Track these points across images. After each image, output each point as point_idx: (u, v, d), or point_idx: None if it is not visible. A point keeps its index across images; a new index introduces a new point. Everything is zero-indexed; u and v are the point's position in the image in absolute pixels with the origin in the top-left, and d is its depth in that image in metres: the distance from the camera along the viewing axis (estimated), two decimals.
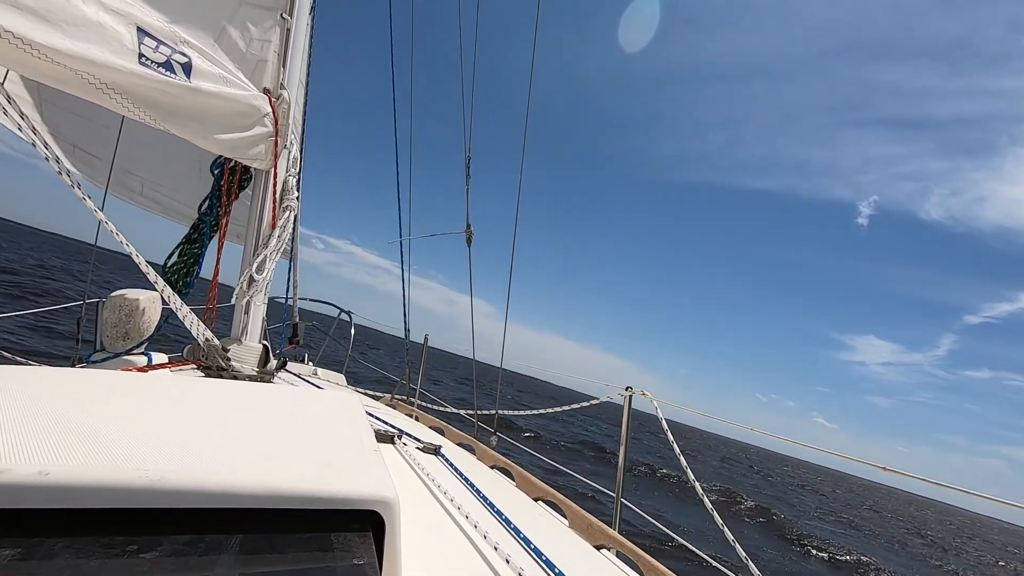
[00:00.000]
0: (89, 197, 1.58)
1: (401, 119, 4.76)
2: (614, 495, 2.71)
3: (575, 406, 3.54)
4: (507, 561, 1.07)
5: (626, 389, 2.87)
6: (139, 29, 1.53)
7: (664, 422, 2.69)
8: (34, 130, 1.48)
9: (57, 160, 1.50)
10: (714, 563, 2.47)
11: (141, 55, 1.52)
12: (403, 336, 4.69)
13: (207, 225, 2.42)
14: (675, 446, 2.59)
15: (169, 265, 2.38)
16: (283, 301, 3.88)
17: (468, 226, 4.22)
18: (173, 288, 2.33)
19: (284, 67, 2.34)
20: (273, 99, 2.17)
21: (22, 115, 1.46)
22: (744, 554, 2.02)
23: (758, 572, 1.99)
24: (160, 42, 1.60)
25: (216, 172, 2.43)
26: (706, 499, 2.39)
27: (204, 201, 2.43)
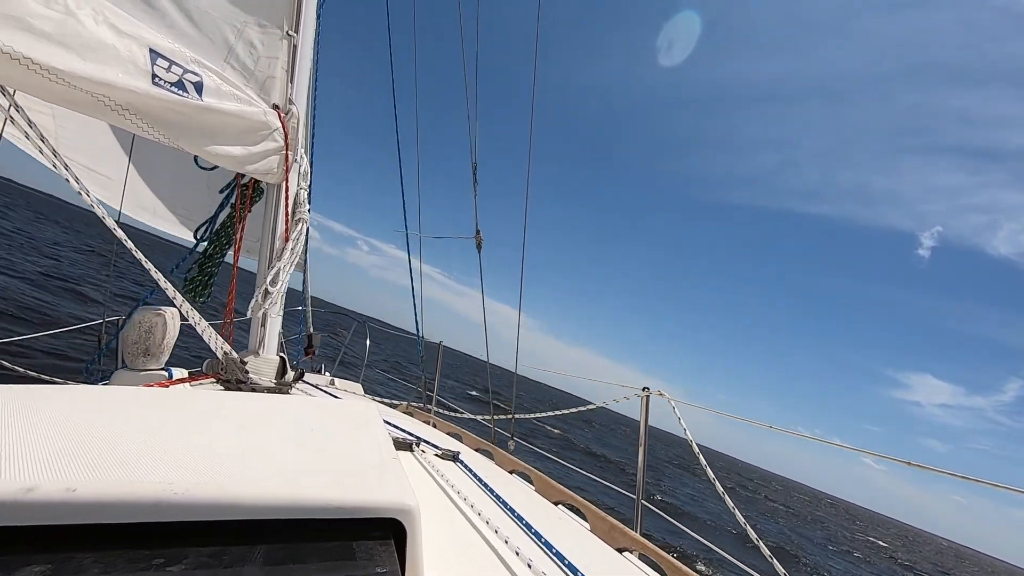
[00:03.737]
0: (108, 216, 1.62)
1: (406, 120, 4.82)
2: (635, 497, 2.69)
3: (591, 406, 3.53)
4: (529, 566, 1.07)
5: (643, 389, 2.86)
6: (151, 51, 1.57)
7: (682, 422, 2.67)
8: (54, 152, 1.52)
9: (77, 180, 1.53)
10: (739, 563, 2.44)
11: (154, 76, 1.55)
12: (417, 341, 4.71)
13: (219, 240, 2.47)
14: (695, 446, 2.57)
15: (190, 279, 2.45)
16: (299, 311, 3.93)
17: (477, 232, 4.24)
18: (192, 300, 2.39)
19: (292, 82, 2.38)
20: (282, 114, 2.21)
21: (42, 138, 1.50)
22: (768, 552, 1.99)
23: (784, 571, 1.96)
24: (172, 62, 1.63)
25: (223, 193, 2.49)
26: (728, 499, 2.37)
27: (215, 216, 2.49)
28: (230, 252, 2.50)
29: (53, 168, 1.54)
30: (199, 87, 1.73)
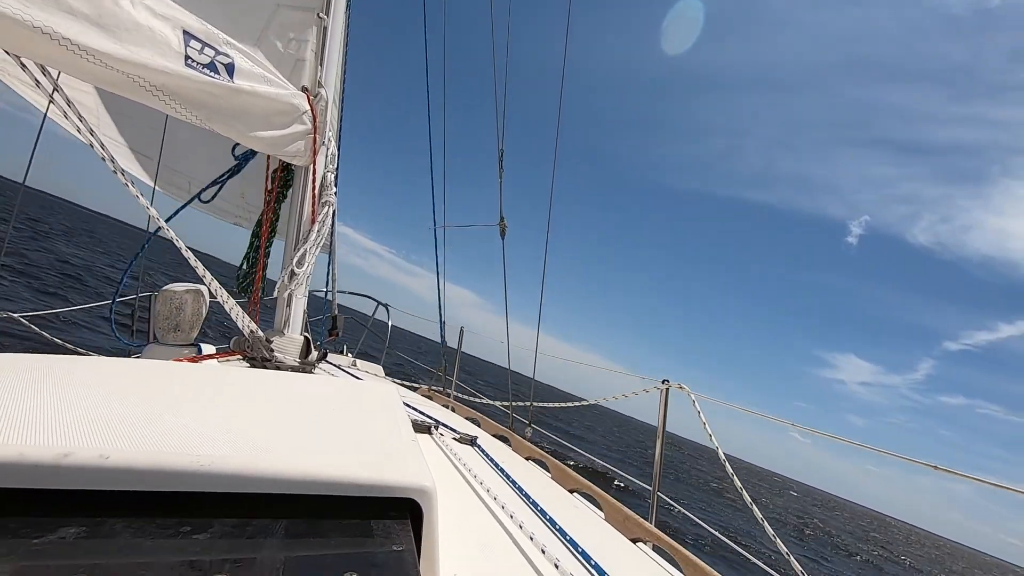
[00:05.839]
0: (142, 195, 1.66)
1: (434, 113, 4.82)
2: (651, 488, 2.69)
3: (610, 398, 3.52)
4: (543, 551, 1.08)
5: (662, 382, 2.84)
6: (185, 32, 1.59)
7: (702, 415, 2.65)
8: (91, 132, 1.56)
9: (112, 160, 1.57)
10: (752, 558, 2.42)
11: (187, 57, 1.58)
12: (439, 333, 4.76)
13: (256, 224, 2.52)
14: (714, 439, 2.55)
15: (242, 275, 2.52)
16: (322, 295, 3.99)
17: (502, 219, 4.24)
18: (245, 292, 2.46)
19: (321, 65, 2.39)
20: (311, 97, 2.22)
21: (80, 118, 1.54)
22: (785, 549, 1.97)
23: (799, 568, 1.94)
24: (205, 44, 1.65)
25: (238, 156, 2.50)
26: (755, 508, 2.35)
27: (221, 179, 2.51)
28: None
29: (91, 147, 1.59)
30: (231, 69, 1.76)
